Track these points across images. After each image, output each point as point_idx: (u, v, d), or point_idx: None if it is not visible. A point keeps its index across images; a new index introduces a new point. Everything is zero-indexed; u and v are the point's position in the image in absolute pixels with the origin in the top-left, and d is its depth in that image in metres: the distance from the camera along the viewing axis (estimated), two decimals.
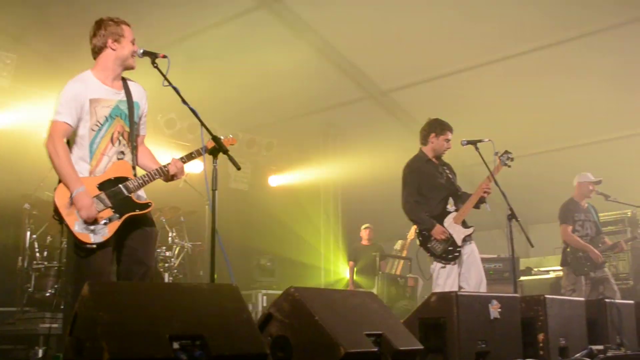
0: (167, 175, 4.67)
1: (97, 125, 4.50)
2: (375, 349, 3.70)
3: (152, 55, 4.51)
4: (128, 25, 4.69)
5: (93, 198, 4.35)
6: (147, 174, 4.61)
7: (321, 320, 3.58)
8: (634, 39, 9.01)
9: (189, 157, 4.76)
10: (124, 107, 4.64)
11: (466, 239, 6.72)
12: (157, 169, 4.65)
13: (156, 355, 2.83)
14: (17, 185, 9.04)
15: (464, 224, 6.77)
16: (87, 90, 4.51)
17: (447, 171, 7.00)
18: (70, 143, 4.54)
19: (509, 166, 6.76)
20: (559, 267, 9.41)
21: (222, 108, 10.53)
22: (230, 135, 5.06)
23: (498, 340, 4.66)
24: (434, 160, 6.96)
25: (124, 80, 4.75)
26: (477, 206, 6.79)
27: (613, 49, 9.29)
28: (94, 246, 4.29)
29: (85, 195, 4.32)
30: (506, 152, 6.76)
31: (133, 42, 4.64)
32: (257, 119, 11.65)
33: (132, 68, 4.69)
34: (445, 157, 7.13)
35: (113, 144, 4.56)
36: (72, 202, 4.30)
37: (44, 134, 4.51)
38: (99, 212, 4.35)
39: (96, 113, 4.50)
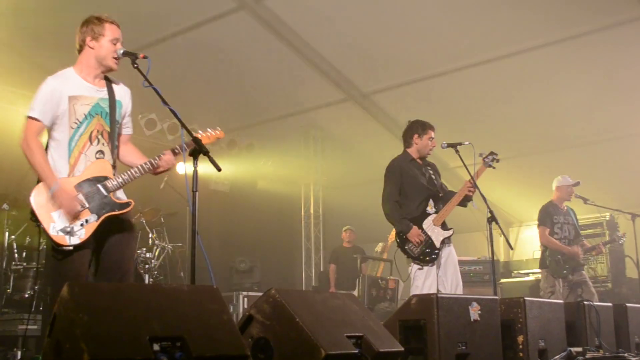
0: (155, 168, 4.62)
1: (75, 123, 4.44)
2: (356, 351, 3.70)
3: (133, 56, 4.46)
4: (114, 24, 4.58)
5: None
6: (128, 172, 4.54)
7: (302, 321, 3.57)
8: (616, 44, 9.07)
9: (173, 152, 4.70)
10: (105, 105, 4.58)
11: (445, 241, 6.72)
12: (142, 164, 4.58)
13: (136, 357, 2.81)
14: None
15: (444, 226, 6.76)
16: (66, 86, 4.45)
17: (431, 171, 6.97)
18: (49, 141, 4.49)
19: (493, 167, 6.78)
20: (539, 270, 9.46)
21: (203, 109, 10.53)
22: (218, 129, 5.00)
23: (478, 342, 4.67)
24: (417, 160, 6.96)
25: (107, 79, 4.69)
26: (463, 204, 6.79)
27: (594, 54, 9.36)
28: (71, 248, 4.25)
29: (63, 190, 4.29)
30: (492, 153, 6.77)
31: (115, 42, 4.54)
32: (237, 120, 11.63)
33: (110, 69, 4.61)
34: (427, 159, 7.14)
35: (92, 143, 4.49)
36: (51, 197, 4.27)
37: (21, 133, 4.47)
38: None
39: (75, 111, 4.44)
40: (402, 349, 4.12)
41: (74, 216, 4.29)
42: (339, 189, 13.69)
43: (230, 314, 3.35)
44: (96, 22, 4.56)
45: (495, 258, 6.65)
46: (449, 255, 6.75)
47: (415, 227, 6.62)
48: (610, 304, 6.71)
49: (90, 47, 4.55)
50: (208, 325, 3.20)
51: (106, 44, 4.54)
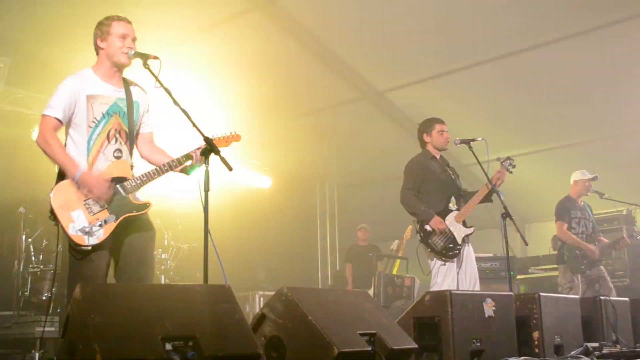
0: (182, 163, 4.62)
1: (94, 122, 4.49)
2: (369, 349, 3.70)
3: (144, 57, 4.48)
4: (121, 20, 4.62)
5: (89, 200, 4.33)
6: (147, 173, 4.56)
7: (315, 320, 3.58)
8: (633, 37, 9.01)
9: (187, 157, 4.70)
10: (123, 105, 4.63)
11: (465, 240, 6.75)
12: (161, 166, 4.59)
13: (148, 357, 2.83)
14: (12, 189, 9.03)
15: (465, 224, 6.79)
16: (85, 86, 4.50)
17: (451, 172, 7.03)
18: (67, 141, 4.53)
19: (511, 172, 6.81)
20: (557, 265, 9.40)
21: (217, 110, 10.53)
22: (235, 132, 5.00)
23: (493, 339, 4.66)
24: (438, 158, 7.00)
25: (125, 80, 4.74)
26: (488, 199, 6.81)
27: (613, 46, 9.30)
28: (89, 248, 4.27)
29: (89, 175, 4.32)
30: (508, 158, 6.85)
31: (124, 37, 4.56)
32: (251, 120, 11.63)
33: (123, 65, 4.62)
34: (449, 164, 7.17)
35: (109, 142, 4.54)
36: (78, 185, 4.30)
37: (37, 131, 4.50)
38: (96, 213, 4.33)
39: (93, 110, 4.48)
40: (416, 346, 4.12)
41: (107, 199, 4.32)
42: (353, 188, 13.67)
43: (242, 313, 3.35)
44: (105, 22, 4.62)
45: (511, 254, 6.64)
46: (468, 254, 6.80)
47: (437, 216, 6.65)
48: (627, 299, 6.66)
49: (101, 48, 4.61)
50: (220, 325, 3.21)
51: (114, 41, 4.57)
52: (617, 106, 10.46)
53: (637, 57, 9.37)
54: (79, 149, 4.49)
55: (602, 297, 6.06)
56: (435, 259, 6.70)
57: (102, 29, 4.60)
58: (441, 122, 7.01)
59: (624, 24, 8.81)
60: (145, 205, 4.58)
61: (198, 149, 4.60)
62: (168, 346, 2.94)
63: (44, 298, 7.74)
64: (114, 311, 2.93)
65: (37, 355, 7.18)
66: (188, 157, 4.63)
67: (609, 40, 9.08)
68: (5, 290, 8.25)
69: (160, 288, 4.12)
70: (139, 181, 4.53)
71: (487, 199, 6.83)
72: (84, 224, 4.29)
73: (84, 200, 4.34)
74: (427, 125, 7.04)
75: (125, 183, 4.49)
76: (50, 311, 7.62)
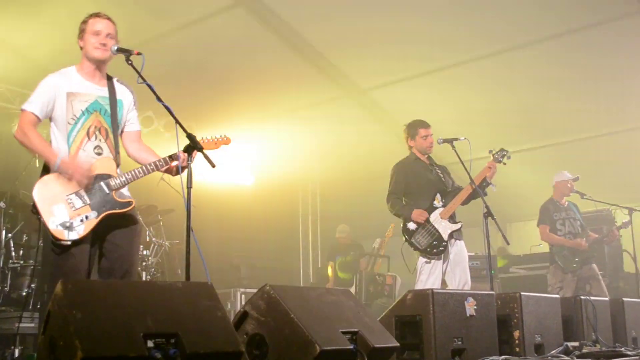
0: (169, 163, 4.59)
1: (72, 119, 4.51)
2: (351, 347, 3.70)
3: (127, 52, 4.49)
4: (98, 17, 4.64)
5: (71, 195, 4.33)
6: (132, 172, 4.55)
7: (296, 317, 3.58)
8: (610, 39, 9.06)
9: (173, 157, 4.67)
10: (105, 103, 4.64)
11: (454, 235, 6.75)
12: (147, 165, 4.58)
13: (130, 354, 2.81)
14: None
15: (452, 219, 6.79)
16: (66, 83, 4.54)
17: (439, 171, 7.05)
18: (51, 136, 4.57)
19: (504, 163, 6.83)
20: (537, 264, 9.45)
21: (202, 108, 10.50)
22: (225, 136, 5.04)
23: (474, 338, 4.68)
24: (422, 159, 7.04)
25: (110, 78, 4.76)
26: (475, 197, 6.77)
27: (592, 48, 9.34)
28: (69, 243, 4.26)
29: (69, 161, 4.34)
30: (502, 149, 6.88)
31: (97, 33, 4.57)
32: (234, 118, 11.60)
33: (97, 60, 4.61)
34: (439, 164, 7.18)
35: (89, 138, 4.55)
36: (58, 173, 4.32)
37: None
38: (77, 209, 4.32)
39: (72, 107, 4.51)
40: (398, 344, 4.13)
41: (87, 185, 4.34)
42: (336, 186, 13.67)
43: (224, 310, 3.34)
44: (83, 20, 4.67)
45: (492, 253, 6.65)
46: (458, 252, 6.80)
47: (417, 209, 6.67)
48: (607, 299, 6.72)
49: (81, 47, 4.67)
50: (202, 322, 3.20)
51: (88, 38, 4.60)
52: (600, 106, 10.53)
53: (621, 57, 9.42)
54: (60, 146, 4.52)
55: (582, 297, 6.11)
56: (420, 257, 6.73)
57: (80, 27, 4.66)
58: (425, 126, 7.05)
59: (613, 24, 8.84)
60: (129, 204, 4.58)
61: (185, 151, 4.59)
62: (150, 343, 2.93)
63: (24, 294, 7.69)
64: (96, 308, 2.91)
65: (16, 351, 7.14)
66: (175, 157, 4.61)
67: (592, 40, 9.12)
68: None
69: (142, 285, 4.10)
70: (123, 179, 4.54)
71: (473, 196, 6.79)
72: (65, 218, 4.29)
73: (67, 195, 4.35)
74: (411, 129, 7.11)
75: (109, 180, 4.49)
76: (31, 307, 7.59)
